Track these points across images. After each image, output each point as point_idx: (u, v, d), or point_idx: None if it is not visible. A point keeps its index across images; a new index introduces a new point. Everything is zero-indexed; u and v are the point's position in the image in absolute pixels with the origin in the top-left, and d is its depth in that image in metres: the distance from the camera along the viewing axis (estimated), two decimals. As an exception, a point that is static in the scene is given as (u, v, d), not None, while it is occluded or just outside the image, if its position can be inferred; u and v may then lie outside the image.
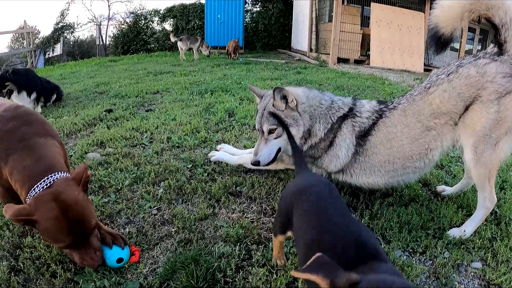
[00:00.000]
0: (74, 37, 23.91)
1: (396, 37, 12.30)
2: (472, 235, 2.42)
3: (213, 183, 3.01)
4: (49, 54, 21.33)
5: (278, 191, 2.90)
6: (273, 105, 2.77)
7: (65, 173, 2.10)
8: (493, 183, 2.41)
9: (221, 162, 3.37)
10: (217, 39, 17.50)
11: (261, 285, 1.95)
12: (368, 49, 12.53)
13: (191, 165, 3.33)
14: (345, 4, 12.65)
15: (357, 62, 12.78)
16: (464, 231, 2.42)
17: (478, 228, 2.46)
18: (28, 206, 1.90)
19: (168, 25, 21.56)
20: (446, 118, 2.45)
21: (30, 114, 2.32)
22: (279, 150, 2.84)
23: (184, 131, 4.19)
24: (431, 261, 2.21)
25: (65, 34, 22.34)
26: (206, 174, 3.17)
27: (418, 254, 2.26)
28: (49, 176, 2.02)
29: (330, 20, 13.32)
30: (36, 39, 20.93)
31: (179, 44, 13.49)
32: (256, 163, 2.81)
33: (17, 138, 2.14)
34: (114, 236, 2.24)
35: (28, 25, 20.71)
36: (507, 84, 2.25)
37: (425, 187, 3.06)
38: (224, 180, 3.06)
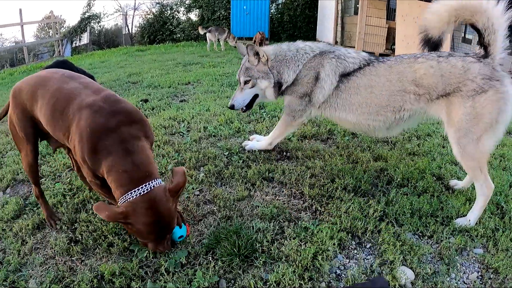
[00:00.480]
0: (100, 26, 24.38)
1: None
2: (476, 224, 2.65)
3: (248, 169, 3.35)
4: (75, 43, 21.64)
5: (306, 177, 3.20)
6: (248, 60, 3.40)
7: (159, 180, 2.19)
8: (486, 171, 2.66)
9: (254, 150, 3.71)
10: (243, 30, 17.62)
11: (292, 253, 2.30)
12: (393, 43, 12.41)
13: (227, 153, 3.67)
14: None
15: (382, 56, 12.58)
16: (469, 220, 2.66)
17: (482, 219, 2.69)
18: (125, 209, 2.04)
19: (193, 15, 21.71)
20: (424, 91, 2.79)
21: (131, 112, 2.31)
22: (256, 96, 3.52)
23: (218, 121, 4.51)
24: (437, 244, 2.47)
25: (92, 24, 22.67)
26: (241, 161, 3.50)
27: (426, 238, 2.53)
28: (146, 183, 2.12)
29: (356, 13, 13.26)
30: (62, 29, 21.26)
31: (208, 35, 13.83)
32: (231, 106, 3.52)
33: (119, 139, 2.16)
34: (179, 216, 2.51)
35: (55, 15, 21.12)
36: (484, 85, 2.55)
37: (438, 180, 3.28)
38: (258, 166, 3.38)
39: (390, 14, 13.25)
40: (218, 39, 14.12)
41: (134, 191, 2.10)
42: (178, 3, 21.91)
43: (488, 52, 2.62)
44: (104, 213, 2.00)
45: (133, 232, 2.21)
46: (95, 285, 2.17)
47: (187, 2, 21.59)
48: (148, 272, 2.25)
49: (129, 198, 2.09)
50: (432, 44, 2.86)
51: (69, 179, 3.34)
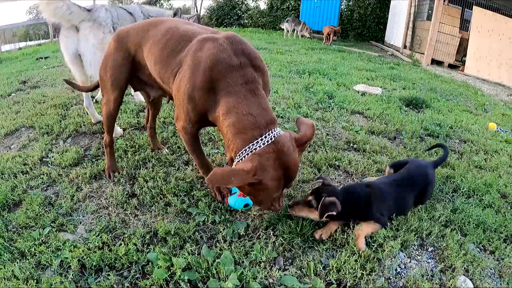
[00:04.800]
0: (169, 5, 24.78)
1: (496, 47, 11.54)
2: None
3: (315, 153, 3.38)
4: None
5: (373, 171, 3.19)
6: None
7: (279, 129, 1.98)
8: None
9: (322, 137, 3.73)
10: (311, 23, 17.39)
11: (350, 240, 2.28)
12: (464, 55, 11.98)
13: (295, 135, 3.69)
14: (445, 3, 12.08)
15: (451, 66, 12.33)
16: None
17: None
18: (254, 166, 1.80)
19: (263, 3, 21.79)
20: None
21: (256, 58, 2.10)
22: None
23: (287, 104, 4.57)
24: (498, 261, 2.38)
25: (161, 2, 23.07)
26: (308, 146, 3.51)
27: (488, 252, 2.45)
28: (271, 131, 1.90)
29: (429, 19, 12.86)
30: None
31: (285, 25, 15.21)
32: None
33: (244, 79, 1.97)
34: None
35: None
36: None
37: (503, 198, 3.17)
38: (325, 153, 3.40)
39: (464, 24, 12.83)
40: (294, 29, 15.23)
41: (258, 141, 1.87)
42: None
43: None
44: (231, 181, 1.80)
45: (254, 192, 1.98)
46: (147, 241, 2.17)
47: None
48: (204, 237, 2.26)
49: (254, 149, 1.87)
50: None
51: (132, 136, 3.40)
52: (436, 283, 2.09)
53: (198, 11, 25.02)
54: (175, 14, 3.88)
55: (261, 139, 1.88)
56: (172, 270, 1.93)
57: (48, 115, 3.98)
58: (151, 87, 2.71)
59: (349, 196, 2.39)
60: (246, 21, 20.97)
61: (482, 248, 2.50)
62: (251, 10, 21.44)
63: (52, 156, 3.09)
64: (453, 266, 2.22)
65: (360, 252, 2.19)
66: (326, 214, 2.21)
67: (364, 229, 2.32)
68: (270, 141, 1.88)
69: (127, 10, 3.85)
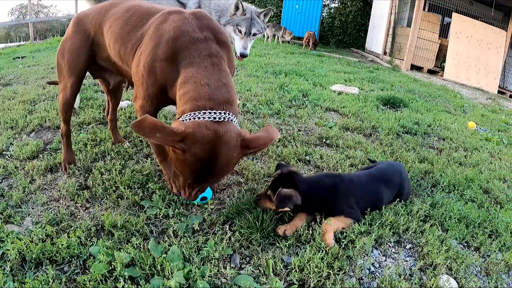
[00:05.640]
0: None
1: (474, 52, 11.77)
2: None
3: (285, 148, 3.19)
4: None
5: (346, 166, 3.01)
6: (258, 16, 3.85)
7: (235, 117, 1.82)
8: None
9: (293, 133, 3.56)
10: (293, 29, 17.42)
11: (316, 236, 2.07)
12: (444, 61, 12.09)
13: (264, 130, 3.50)
14: (425, 10, 12.28)
15: (430, 72, 12.41)
16: None
17: None
18: (186, 130, 1.66)
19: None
20: None
21: (221, 33, 2.03)
22: None
23: (259, 101, 4.42)
24: (483, 258, 2.21)
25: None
26: (278, 140, 3.34)
27: (472, 249, 2.28)
28: (225, 111, 1.76)
29: (409, 25, 12.99)
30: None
31: (266, 30, 14.53)
32: (247, 55, 3.90)
33: (207, 52, 1.89)
34: None
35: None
36: None
37: (486, 193, 3.06)
38: (295, 147, 3.23)
39: (443, 31, 12.98)
40: (274, 35, 15.22)
41: (207, 112, 1.72)
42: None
43: None
44: (155, 136, 1.60)
45: (174, 161, 1.82)
46: (92, 234, 2.02)
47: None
48: (154, 231, 2.10)
49: (198, 118, 1.72)
50: None
51: (94, 131, 3.30)
52: (415, 283, 1.88)
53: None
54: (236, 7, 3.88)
55: (210, 112, 1.72)
56: (113, 265, 1.76)
57: (15, 110, 3.85)
58: (110, 73, 2.62)
59: (315, 188, 2.19)
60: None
61: (465, 244, 2.33)
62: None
63: (12, 150, 2.96)
64: (434, 264, 2.03)
65: (327, 249, 1.97)
66: (282, 209, 2.04)
67: (334, 223, 2.10)
68: (217, 120, 1.72)
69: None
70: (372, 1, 17.93)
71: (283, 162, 2.42)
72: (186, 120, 1.74)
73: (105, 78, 2.71)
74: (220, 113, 1.74)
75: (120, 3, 2.33)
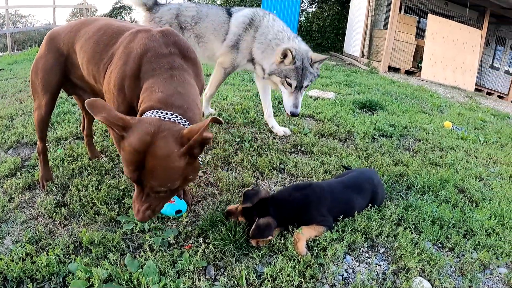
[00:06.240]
0: (130, 18, 24.71)
1: (450, 52, 11.97)
2: (501, 241, 2.41)
3: (259, 157, 3.19)
4: (104, 32, 22.24)
5: (320, 172, 3.01)
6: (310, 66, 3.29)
7: (188, 123, 1.79)
8: None
9: (268, 141, 3.55)
10: (270, 34, 17.42)
11: (289, 245, 2.07)
12: (421, 61, 12.25)
13: (239, 140, 3.53)
14: (402, 13, 12.43)
15: (408, 73, 12.55)
16: None
17: (508, 236, 2.46)
18: (128, 119, 1.66)
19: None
20: None
21: (187, 48, 2.08)
22: None
23: (235, 110, 4.41)
24: (458, 258, 2.22)
25: (122, 14, 22.97)
26: (252, 149, 3.35)
27: (446, 249, 2.29)
28: (173, 113, 1.76)
29: (385, 27, 13.11)
30: (93, 16, 21.70)
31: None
32: (298, 114, 3.37)
33: (168, 66, 1.95)
34: (185, 191, 2.39)
35: (88, 2, 21.50)
36: None
37: (461, 193, 3.09)
38: (270, 156, 3.22)
39: (419, 32, 13.18)
40: None
41: (153, 112, 1.75)
42: (209, 2, 21.95)
43: None
44: (101, 114, 1.59)
45: (121, 155, 1.74)
46: (71, 251, 2.04)
47: (218, 2, 21.57)
48: (131, 247, 2.12)
49: (147, 116, 1.75)
50: None
51: (72, 146, 3.29)
52: (388, 287, 1.89)
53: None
54: None
55: (157, 112, 1.75)
56: (91, 282, 1.80)
57: (-8, 126, 3.83)
58: (84, 91, 2.61)
59: (286, 203, 2.21)
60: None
61: (440, 245, 2.35)
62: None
63: (-10, 168, 2.96)
64: (407, 267, 2.04)
65: (299, 257, 1.98)
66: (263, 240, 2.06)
67: (306, 232, 2.10)
68: (159, 117, 1.72)
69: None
70: (349, 5, 18.02)
71: (249, 190, 2.29)
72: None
73: (80, 95, 2.71)
74: (167, 113, 1.75)
75: (91, 22, 2.37)
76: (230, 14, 3.77)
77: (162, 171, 1.66)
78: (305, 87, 3.31)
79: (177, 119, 1.75)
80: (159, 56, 1.95)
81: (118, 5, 22.22)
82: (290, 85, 3.28)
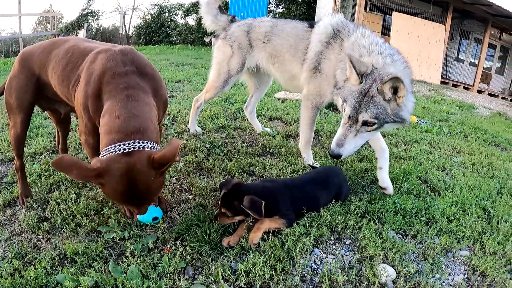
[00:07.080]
0: (97, 24, 24.45)
1: (415, 48, 12.26)
2: (462, 225, 2.54)
3: (229, 161, 3.27)
4: (72, 39, 21.74)
5: (288, 173, 3.11)
6: (378, 93, 2.42)
7: (151, 143, 1.91)
8: None
9: (238, 145, 3.64)
10: (237, 35, 17.47)
11: (266, 245, 2.17)
12: (387, 58, 12.41)
13: (209, 145, 3.61)
14: (367, 11, 12.67)
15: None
16: None
17: (469, 221, 2.60)
18: (100, 166, 1.76)
19: (191, 20, 21.76)
20: None
21: (145, 65, 2.17)
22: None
23: (204, 117, 4.47)
24: (421, 244, 2.36)
25: (89, 21, 22.68)
26: (222, 154, 3.44)
27: (409, 237, 2.43)
28: (135, 141, 1.86)
29: (352, 26, 13.30)
30: (60, 24, 21.39)
31: (213, 39, 14.43)
32: (338, 156, 2.54)
33: (124, 85, 2.00)
34: (160, 199, 2.48)
35: (54, 10, 21.18)
36: None
37: (424, 183, 3.23)
38: (239, 160, 3.31)
39: (385, 29, 13.40)
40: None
41: (117, 146, 1.83)
42: (177, 7, 21.91)
43: None
44: (72, 172, 1.70)
45: (105, 193, 1.95)
46: (57, 263, 2.10)
47: (185, 6, 21.57)
48: (113, 254, 2.19)
49: (110, 152, 1.83)
50: None
51: (47, 160, 3.29)
52: (354, 274, 2.02)
53: (127, 30, 24.76)
54: None
55: (119, 145, 1.84)
56: None
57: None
58: (59, 103, 2.68)
59: (258, 193, 2.29)
60: (175, 38, 20.77)
61: (403, 233, 2.48)
62: (180, 27, 21.27)
63: (-34, 187, 2.94)
64: (370, 255, 2.17)
65: (270, 253, 2.10)
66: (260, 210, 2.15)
67: (266, 224, 2.23)
68: (125, 151, 1.83)
69: None
70: (315, 5, 18.19)
71: (223, 181, 2.47)
72: (103, 156, 1.86)
73: (55, 109, 2.76)
74: (129, 143, 1.85)
75: (61, 43, 2.43)
76: (311, 26, 3.25)
77: (148, 194, 1.93)
78: (364, 122, 2.48)
79: (141, 146, 1.87)
80: (116, 76, 2.03)
81: (85, 12, 21.86)
82: (345, 111, 2.57)
